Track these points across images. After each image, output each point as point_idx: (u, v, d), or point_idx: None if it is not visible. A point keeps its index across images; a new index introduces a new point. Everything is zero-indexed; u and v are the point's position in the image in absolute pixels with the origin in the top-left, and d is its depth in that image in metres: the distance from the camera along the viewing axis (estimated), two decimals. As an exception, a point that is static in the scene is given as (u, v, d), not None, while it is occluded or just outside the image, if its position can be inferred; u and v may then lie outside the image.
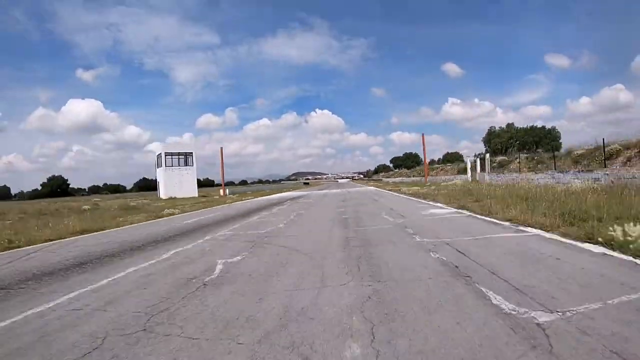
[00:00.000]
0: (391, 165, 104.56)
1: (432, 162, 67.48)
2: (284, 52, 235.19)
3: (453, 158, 56.61)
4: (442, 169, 32.96)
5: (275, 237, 5.55)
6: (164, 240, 5.99)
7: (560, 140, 37.20)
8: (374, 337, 1.87)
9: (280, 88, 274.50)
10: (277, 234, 5.97)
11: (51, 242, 6.57)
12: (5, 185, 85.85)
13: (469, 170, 20.55)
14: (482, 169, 18.44)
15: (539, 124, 42.00)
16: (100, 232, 7.95)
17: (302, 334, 1.96)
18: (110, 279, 3.49)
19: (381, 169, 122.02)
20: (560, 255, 3.32)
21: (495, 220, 5.76)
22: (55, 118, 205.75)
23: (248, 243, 5.16)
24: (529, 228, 4.83)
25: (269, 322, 2.16)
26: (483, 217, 6.33)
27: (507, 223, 5.43)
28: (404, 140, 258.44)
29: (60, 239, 7.00)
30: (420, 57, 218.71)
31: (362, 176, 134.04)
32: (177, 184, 26.04)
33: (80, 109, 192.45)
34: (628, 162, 12.67)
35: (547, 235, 4.32)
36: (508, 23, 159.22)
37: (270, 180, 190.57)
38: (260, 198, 20.84)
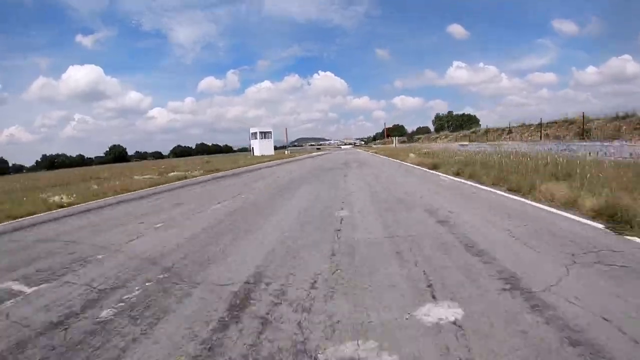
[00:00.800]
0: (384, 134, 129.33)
1: (412, 132, 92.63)
2: (285, 9, 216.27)
3: (424, 131, 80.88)
4: (407, 139, 57.84)
5: (329, 156, 30.78)
6: (304, 159, 31.32)
7: (480, 123, 61.44)
8: (347, 156, 27.08)
9: (282, 48, 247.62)
10: (329, 156, 31.22)
11: (253, 165, 31.90)
12: (80, 154, 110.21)
13: (394, 142, 46.26)
14: (400, 142, 44.14)
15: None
16: (279, 160, 33.10)
17: (336, 158, 27.25)
18: (288, 166, 28.82)
19: (378, 136, 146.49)
20: (402, 165, 28.49)
21: (397, 160, 30.72)
22: (57, 87, 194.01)
23: (327, 155, 30.40)
24: (406, 163, 29.80)
25: (331, 156, 27.49)
26: (389, 157, 31.43)
27: (397, 160, 30.26)
28: (407, 105, 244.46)
29: (259, 163, 32.19)
30: (425, 17, 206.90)
31: (363, 143, 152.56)
32: (264, 147, 50.51)
33: (80, 75, 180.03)
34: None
35: (410, 164, 29.33)
36: None
37: (276, 146, 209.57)
38: (308, 154, 45.53)
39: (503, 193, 6.31)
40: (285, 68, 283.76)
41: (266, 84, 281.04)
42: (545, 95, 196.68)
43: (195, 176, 15.91)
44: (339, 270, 2.92)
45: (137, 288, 2.82)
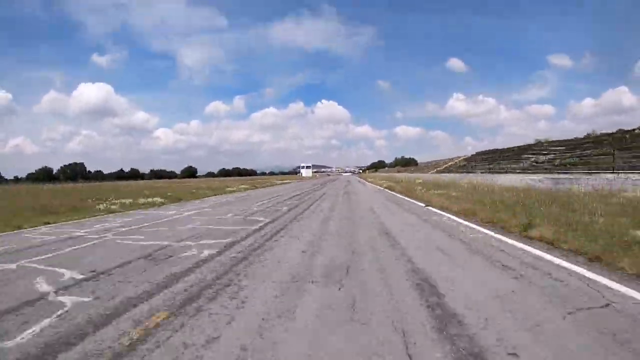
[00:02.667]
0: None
1: (391, 164, 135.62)
2: (290, 37, 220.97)
3: (393, 165, 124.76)
4: (375, 170, 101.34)
5: (336, 177, 74.07)
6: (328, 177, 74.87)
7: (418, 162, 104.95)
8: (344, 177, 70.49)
9: (287, 75, 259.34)
10: (336, 177, 74.51)
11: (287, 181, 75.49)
12: (172, 170, 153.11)
13: (366, 172, 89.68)
14: (368, 172, 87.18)
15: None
16: (317, 178, 76.44)
17: (340, 177, 70.66)
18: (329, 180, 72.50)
19: (372, 166, 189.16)
20: (359, 179, 71.99)
21: (370, 183, 73.79)
22: (67, 102, 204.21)
23: (335, 177, 73.86)
24: (361, 179, 72.88)
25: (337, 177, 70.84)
26: (359, 178, 74.73)
27: (360, 179, 73.15)
28: (408, 134, 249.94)
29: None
30: (425, 50, 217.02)
31: (361, 171, 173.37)
32: (307, 172, 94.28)
33: (91, 93, 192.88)
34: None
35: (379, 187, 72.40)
36: (512, 19, 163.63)
37: (277, 172, 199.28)
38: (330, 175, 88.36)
39: (379, 188, 48.83)
40: (290, 95, 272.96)
41: (271, 110, 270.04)
42: (543, 127, 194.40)
43: (305, 179, 58.68)
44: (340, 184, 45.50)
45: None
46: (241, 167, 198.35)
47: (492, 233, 5.77)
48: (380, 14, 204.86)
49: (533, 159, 32.26)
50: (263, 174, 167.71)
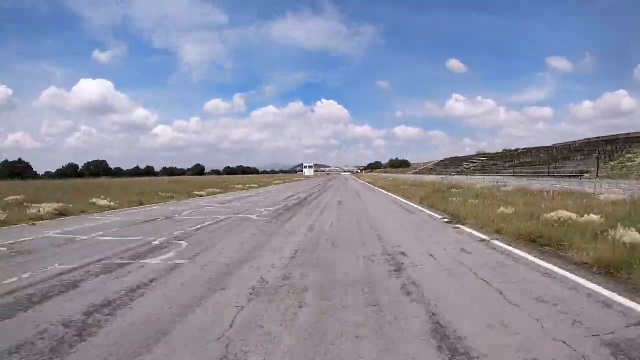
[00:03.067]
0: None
1: (386, 165, 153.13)
2: (291, 36, 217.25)
3: (388, 165, 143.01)
4: (371, 171, 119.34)
5: (336, 177, 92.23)
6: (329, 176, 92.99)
7: (411, 163, 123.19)
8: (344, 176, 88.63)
9: (288, 73, 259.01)
10: (336, 177, 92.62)
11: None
12: (181, 167, 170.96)
13: (363, 172, 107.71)
14: (365, 172, 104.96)
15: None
16: (319, 176, 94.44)
17: (340, 177, 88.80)
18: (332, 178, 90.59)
19: (369, 167, 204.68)
20: (355, 179, 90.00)
21: (361, 181, 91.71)
22: (67, 97, 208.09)
23: (335, 176, 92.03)
24: (356, 179, 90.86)
25: (337, 177, 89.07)
26: (355, 177, 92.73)
27: (362, 181, 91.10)
28: (408, 134, 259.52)
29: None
30: (425, 51, 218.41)
31: (359, 171, 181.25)
32: (309, 172, 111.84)
33: (92, 89, 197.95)
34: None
35: (356, 177, 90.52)
36: (512, 19, 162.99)
37: (278, 170, 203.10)
38: (330, 175, 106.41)
39: (364, 183, 66.93)
40: (290, 94, 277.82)
41: (271, 108, 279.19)
42: (542, 128, 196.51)
43: (312, 176, 76.83)
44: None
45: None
46: (244, 166, 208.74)
47: (378, 188, 25.64)
48: (381, 14, 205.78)
49: (466, 166, 50.53)
50: (265, 172, 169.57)
